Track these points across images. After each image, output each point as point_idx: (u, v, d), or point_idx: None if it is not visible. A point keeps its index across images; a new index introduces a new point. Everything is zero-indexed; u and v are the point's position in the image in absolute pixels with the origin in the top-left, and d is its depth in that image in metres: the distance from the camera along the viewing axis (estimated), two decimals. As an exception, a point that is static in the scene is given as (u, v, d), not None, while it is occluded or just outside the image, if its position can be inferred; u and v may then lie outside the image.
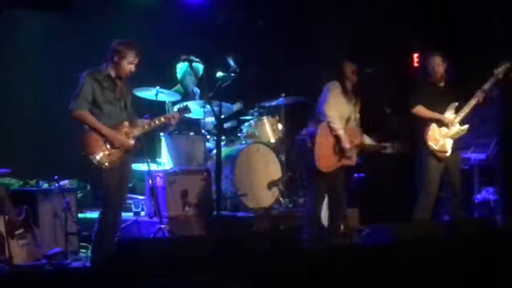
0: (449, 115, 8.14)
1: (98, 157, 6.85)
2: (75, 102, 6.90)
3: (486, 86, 8.12)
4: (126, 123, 7.08)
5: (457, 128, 8.15)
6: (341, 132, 7.59)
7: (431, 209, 8.18)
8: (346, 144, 7.62)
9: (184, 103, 8.24)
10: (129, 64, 7.04)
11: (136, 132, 7.12)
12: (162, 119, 7.31)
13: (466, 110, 8.15)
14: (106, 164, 6.88)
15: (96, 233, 6.99)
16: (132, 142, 7.08)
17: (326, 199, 7.98)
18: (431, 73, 8.27)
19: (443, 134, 8.13)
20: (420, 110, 8.15)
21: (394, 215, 8.70)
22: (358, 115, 7.93)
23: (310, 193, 7.87)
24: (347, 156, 7.66)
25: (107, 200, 7.00)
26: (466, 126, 8.17)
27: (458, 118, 8.15)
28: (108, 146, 6.92)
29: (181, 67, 9.34)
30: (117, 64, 7.03)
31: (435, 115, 8.15)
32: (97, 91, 6.96)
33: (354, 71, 7.78)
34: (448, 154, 8.12)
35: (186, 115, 7.85)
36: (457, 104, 8.17)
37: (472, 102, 8.12)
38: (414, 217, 8.10)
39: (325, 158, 7.59)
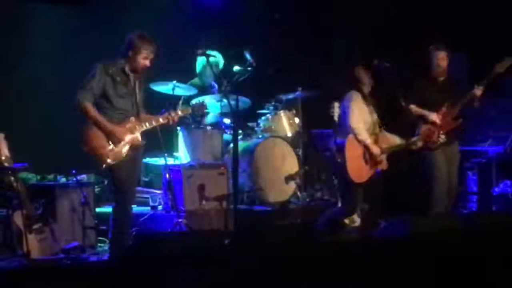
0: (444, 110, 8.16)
1: (99, 153, 6.86)
2: (80, 93, 6.87)
3: (485, 81, 8.10)
4: (132, 119, 7.05)
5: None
6: (368, 141, 7.61)
7: (446, 196, 8.18)
8: (375, 151, 7.64)
9: (201, 98, 8.24)
10: (143, 59, 7.01)
11: (142, 127, 7.10)
12: (161, 119, 7.28)
13: (460, 104, 8.13)
14: (109, 160, 6.88)
15: (112, 230, 7.02)
16: (134, 136, 7.05)
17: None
18: (434, 67, 8.29)
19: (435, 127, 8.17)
20: (411, 109, 8.17)
21: (412, 209, 8.67)
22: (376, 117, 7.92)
23: (346, 201, 7.90)
24: (378, 161, 7.69)
25: (118, 195, 7.02)
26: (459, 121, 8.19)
27: (452, 113, 8.16)
28: (110, 142, 6.91)
29: (200, 61, 9.32)
30: (132, 59, 7.01)
31: (423, 112, 8.17)
32: (108, 85, 6.93)
33: (370, 75, 7.75)
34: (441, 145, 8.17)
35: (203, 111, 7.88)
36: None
37: (468, 96, 8.09)
38: (433, 208, 8.11)
39: (358, 170, 7.61)
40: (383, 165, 7.78)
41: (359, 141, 7.60)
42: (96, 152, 6.87)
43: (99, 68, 6.95)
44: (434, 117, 8.14)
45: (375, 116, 7.82)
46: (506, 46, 9.24)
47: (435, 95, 8.23)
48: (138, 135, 7.06)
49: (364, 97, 7.74)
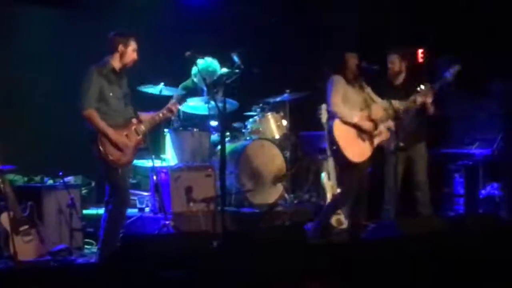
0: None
1: (111, 158, 6.88)
2: (84, 100, 6.85)
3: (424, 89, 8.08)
4: (135, 120, 7.08)
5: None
6: (355, 120, 7.55)
7: (395, 203, 8.20)
8: (367, 127, 7.57)
9: (189, 100, 8.23)
10: (133, 51, 7.06)
11: (144, 127, 7.12)
12: (165, 111, 7.32)
13: (402, 107, 8.03)
14: (121, 164, 6.93)
15: (105, 232, 6.99)
16: (140, 137, 7.09)
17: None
18: (388, 70, 8.39)
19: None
20: None
21: (399, 211, 8.70)
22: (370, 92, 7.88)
23: (345, 186, 7.86)
24: (375, 134, 7.63)
25: (117, 198, 7.00)
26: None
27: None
28: (116, 149, 6.92)
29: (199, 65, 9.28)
30: (123, 53, 7.03)
31: None
32: (105, 87, 6.93)
33: (356, 64, 7.72)
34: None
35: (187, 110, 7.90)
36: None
37: (410, 103, 8.01)
38: (383, 213, 8.34)
39: (357, 150, 7.57)
40: (384, 136, 7.73)
41: (346, 122, 7.57)
42: (109, 158, 6.90)
43: (94, 71, 6.93)
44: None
45: (365, 92, 7.76)
46: (498, 49, 9.30)
47: (391, 97, 8.19)
48: (142, 136, 7.10)
49: (348, 81, 7.69)
